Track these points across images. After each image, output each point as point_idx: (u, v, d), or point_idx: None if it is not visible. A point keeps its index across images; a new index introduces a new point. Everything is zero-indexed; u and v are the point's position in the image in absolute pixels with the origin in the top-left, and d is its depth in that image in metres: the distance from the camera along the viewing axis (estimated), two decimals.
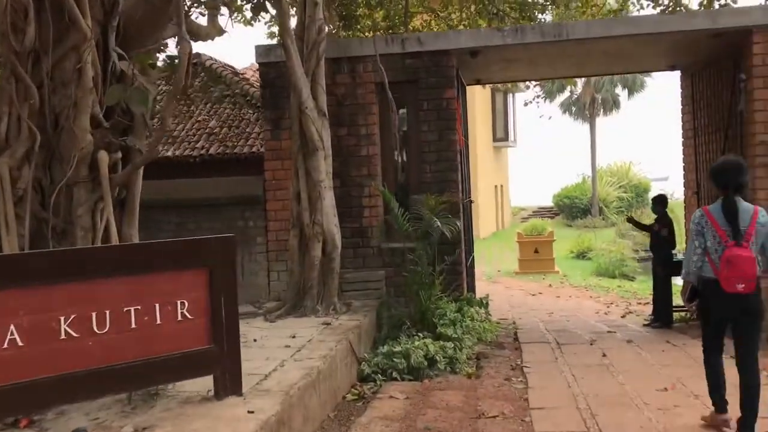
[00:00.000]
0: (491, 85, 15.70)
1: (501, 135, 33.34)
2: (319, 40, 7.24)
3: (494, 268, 20.24)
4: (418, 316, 7.30)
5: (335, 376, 5.63)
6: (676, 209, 15.38)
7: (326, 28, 7.47)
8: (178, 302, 4.19)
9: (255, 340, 6.17)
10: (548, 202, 38.78)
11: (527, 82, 20.48)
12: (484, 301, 9.06)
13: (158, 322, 4.08)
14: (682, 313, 9.93)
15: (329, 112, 8.37)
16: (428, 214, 7.69)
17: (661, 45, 8.86)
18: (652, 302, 9.98)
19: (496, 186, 33.94)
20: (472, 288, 10.06)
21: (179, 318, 4.20)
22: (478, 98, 29.84)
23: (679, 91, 10.58)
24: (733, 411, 4.61)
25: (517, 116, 36.48)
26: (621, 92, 34.90)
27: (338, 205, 8.14)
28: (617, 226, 26.42)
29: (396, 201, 8.05)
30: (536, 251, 18.72)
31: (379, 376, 6.30)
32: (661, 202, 9.68)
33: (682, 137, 10.52)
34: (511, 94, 34.06)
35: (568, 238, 26.27)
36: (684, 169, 10.58)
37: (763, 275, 4.47)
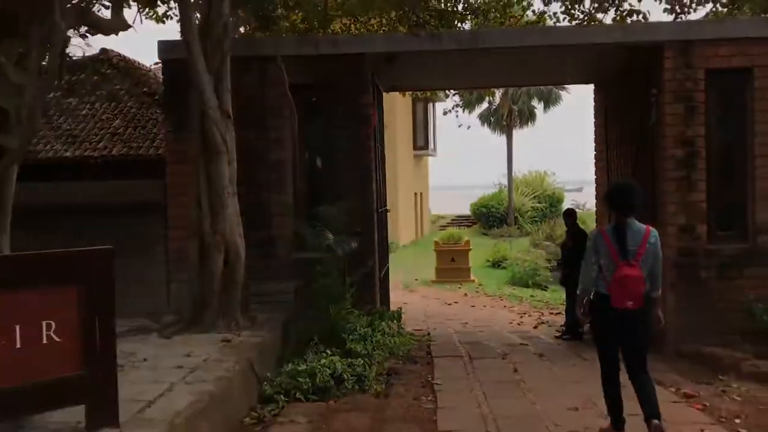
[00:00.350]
0: (411, 93, 15.49)
1: (421, 143, 33.45)
2: (224, 37, 6.79)
3: (412, 277, 20.10)
4: (327, 332, 6.93)
5: (232, 399, 5.19)
6: (588, 220, 15.64)
7: (232, 25, 7.01)
8: (44, 323, 3.69)
9: (145, 360, 5.65)
10: (466, 211, 39.22)
11: (447, 92, 20.46)
12: (396, 315, 8.78)
13: (18, 346, 3.57)
14: None
15: (237, 115, 7.88)
16: (333, 225, 7.36)
17: (575, 57, 8.87)
18: (564, 313, 9.99)
19: (416, 194, 34.01)
20: (386, 300, 9.78)
21: (44, 341, 3.69)
22: (399, 106, 29.81)
23: (593, 104, 10.69)
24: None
25: (438, 126, 36.79)
26: (537, 105, 35.69)
27: (245, 212, 7.68)
28: (532, 236, 26.85)
29: (307, 209, 7.71)
30: (453, 260, 18.69)
31: (282, 396, 5.89)
32: (570, 215, 9.72)
33: (595, 150, 10.62)
34: (431, 104, 34.27)
35: (484, 246, 26.48)
36: (596, 182, 10.67)
37: (652, 293, 4.73)
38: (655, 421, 4.49)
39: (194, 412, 4.38)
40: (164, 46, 8.16)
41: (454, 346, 8.95)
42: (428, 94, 32.16)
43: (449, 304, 15.08)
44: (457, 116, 17.70)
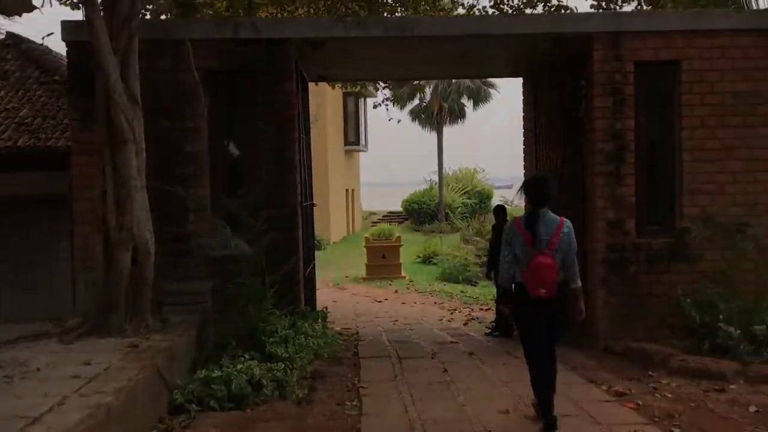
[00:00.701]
0: (342, 87, 15.08)
1: (352, 139, 33.09)
2: (131, 15, 6.23)
3: (342, 274, 19.74)
4: (246, 335, 6.48)
5: (135, 411, 4.70)
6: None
7: (141, 3, 6.45)
8: None
9: (38, 369, 5.09)
10: (398, 207, 39.09)
11: (378, 86, 20.16)
12: (321, 314, 8.39)
13: None
14: None
15: (151, 103, 7.37)
16: (253, 220, 6.92)
17: (505, 48, 8.68)
18: (495, 310, 9.83)
19: (347, 190, 33.63)
20: (312, 299, 9.36)
21: None
22: (330, 101, 29.35)
23: (522, 98, 10.56)
24: None
25: (369, 121, 36.50)
26: (467, 102, 35.85)
27: (159, 207, 7.16)
28: (462, 231, 26.89)
29: (226, 203, 7.23)
30: (383, 256, 18.40)
31: (194, 406, 5.42)
32: (500, 212, 9.57)
33: (524, 144, 10.50)
34: (362, 99, 33.94)
35: (415, 242, 26.36)
36: (525, 177, 10.55)
37: (571, 284, 4.91)
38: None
39: (87, 429, 3.89)
40: (68, 27, 7.50)
41: (383, 346, 8.64)
42: (359, 88, 31.91)
43: (379, 302, 14.78)
44: (387, 110, 17.31)
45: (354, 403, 5.69)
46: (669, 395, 5.75)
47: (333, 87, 14.22)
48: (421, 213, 35.69)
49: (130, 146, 6.15)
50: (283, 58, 7.67)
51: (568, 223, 4.85)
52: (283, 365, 6.13)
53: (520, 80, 10.62)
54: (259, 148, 7.65)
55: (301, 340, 6.81)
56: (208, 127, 7.67)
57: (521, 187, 5.19)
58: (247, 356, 6.13)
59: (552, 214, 4.85)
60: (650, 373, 6.55)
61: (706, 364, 6.38)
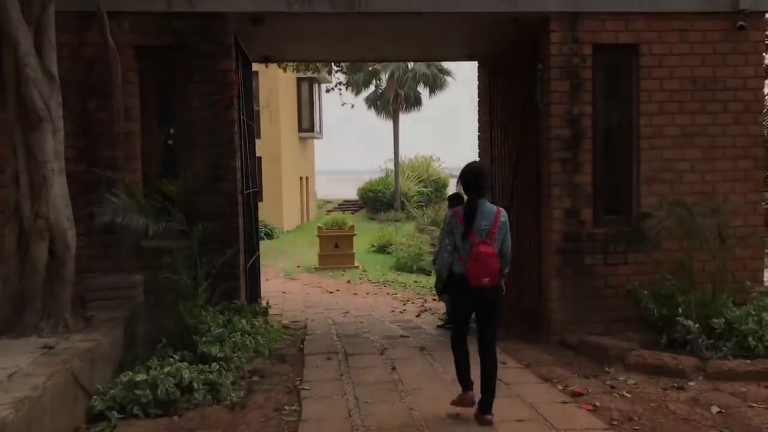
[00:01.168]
0: (293, 69, 14.44)
1: (306, 126, 32.44)
2: None
3: (295, 263, 19.23)
4: (177, 333, 5.97)
5: (41, 423, 4.17)
6: None
7: None
8: None
9: None
10: (354, 196, 38.63)
11: (332, 70, 19.58)
12: (261, 309, 7.91)
13: None
14: None
15: (76, 79, 6.80)
16: (187, 207, 6.41)
17: (460, 28, 8.27)
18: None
19: (301, 177, 33.01)
20: (256, 292, 8.86)
21: None
22: (282, 86, 28.65)
23: (477, 83, 10.20)
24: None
25: (324, 108, 35.89)
26: (423, 90, 35.54)
27: (85, 193, 6.61)
28: (417, 220, 26.61)
29: (158, 189, 6.70)
30: (336, 246, 17.95)
31: (116, 413, 4.92)
32: (455, 201, 9.22)
33: (478, 131, 10.15)
34: (317, 84, 33.29)
35: (371, 231, 25.99)
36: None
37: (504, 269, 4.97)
38: (488, 416, 4.80)
39: None
40: None
41: (330, 341, 8.21)
42: (312, 72, 31.21)
43: (331, 292, 14.35)
44: (340, 94, 16.82)
45: (293, 408, 5.25)
46: (627, 395, 5.45)
47: (284, 70, 13.62)
48: (376, 201, 35.34)
49: (45, 125, 5.55)
50: (220, 34, 7.11)
51: (503, 212, 4.97)
52: (218, 366, 5.65)
53: (476, 66, 10.25)
54: (195, 130, 7.10)
55: (238, 338, 6.32)
56: (140, 107, 7.09)
57: (459, 176, 5.13)
58: (177, 357, 5.63)
59: (489, 204, 4.95)
60: (607, 368, 6.27)
61: (665, 359, 6.13)
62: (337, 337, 8.58)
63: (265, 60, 9.37)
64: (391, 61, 11.30)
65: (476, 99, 10.26)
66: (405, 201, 34.65)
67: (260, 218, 26.73)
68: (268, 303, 8.82)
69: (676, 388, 5.60)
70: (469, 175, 4.99)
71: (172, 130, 7.34)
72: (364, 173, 41.62)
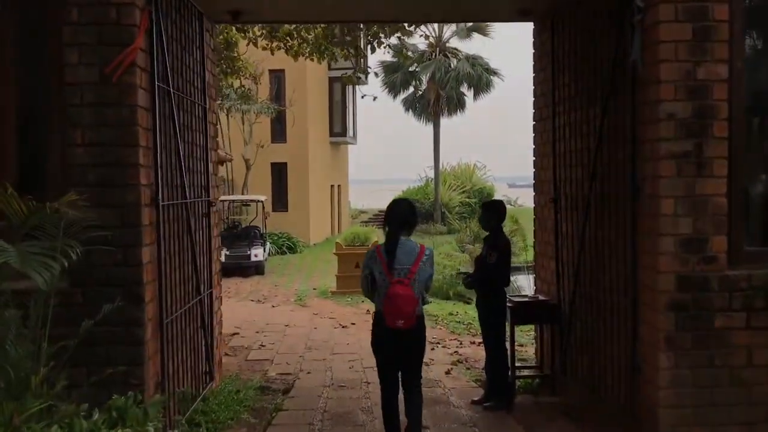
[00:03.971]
0: (318, 59, 11.59)
1: (338, 130, 29.85)
2: None
3: (312, 285, 16.52)
4: None
5: None
6: (523, 219, 12.34)
7: None
8: None
9: None
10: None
11: (368, 71, 16.81)
12: (153, 408, 5.07)
13: None
14: (528, 379, 6.73)
15: None
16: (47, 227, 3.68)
17: None
18: (486, 364, 6.60)
19: (332, 186, 30.41)
20: (207, 359, 6.06)
21: None
22: (312, 85, 26.11)
23: (533, 51, 7.28)
24: None
25: (362, 114, 33.32)
26: (467, 92, 32.60)
27: None
28: (459, 234, 23.77)
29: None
30: (357, 266, 15.11)
31: None
32: (493, 210, 6.36)
33: (534, 118, 7.22)
34: (351, 86, 30.70)
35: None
36: (535, 165, 7.28)
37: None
38: None
39: None
40: None
41: (310, 428, 5.43)
42: (344, 63, 28.56)
43: (344, 327, 11.52)
44: (359, 80, 14.01)
45: None
46: None
47: (255, 44, 10.82)
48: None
49: None
50: None
51: (428, 250, 4.78)
52: None
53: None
54: (70, 101, 4.38)
55: None
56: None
57: (386, 212, 4.92)
58: None
59: (412, 241, 4.79)
60: None
61: None
62: (321, 419, 5.79)
63: (232, 19, 6.65)
64: (412, 23, 8.52)
65: (530, 82, 7.36)
66: (446, 212, 31.79)
67: (284, 230, 24.33)
68: (163, 397, 5.96)
69: None
70: (395, 208, 4.86)
71: (43, 111, 4.62)
72: (403, 183, 38.84)
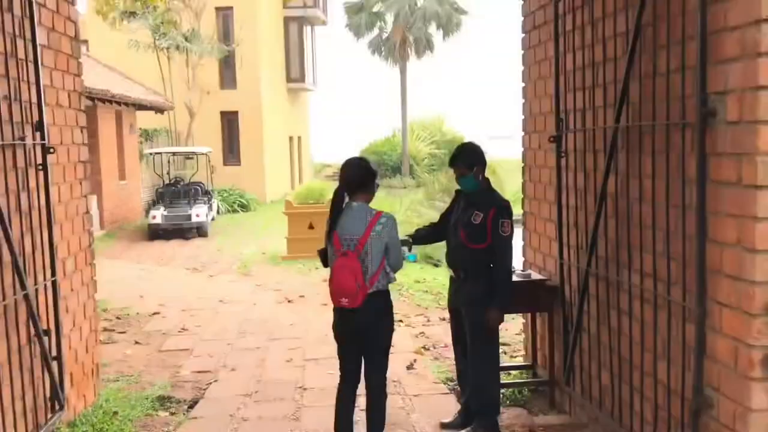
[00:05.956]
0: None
1: (296, 75, 27.48)
2: None
3: (261, 248, 14.57)
4: None
5: None
6: (505, 174, 10.53)
7: None
8: None
9: None
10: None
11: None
12: None
13: None
14: (516, 389, 4.94)
15: None
16: None
17: None
18: (456, 372, 4.77)
19: (291, 137, 28.21)
20: (54, 381, 4.12)
21: None
22: (264, 25, 23.66)
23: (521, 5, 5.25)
24: None
25: (320, 56, 30.93)
26: (435, 33, 30.27)
27: None
28: (426, 188, 21.87)
29: None
30: (311, 227, 13.13)
31: None
32: (474, 153, 4.44)
33: (524, 27, 5.24)
34: (309, 27, 28.24)
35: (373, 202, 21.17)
36: (524, 93, 5.34)
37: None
38: None
39: None
40: None
41: None
42: (306, 12, 26.12)
43: (290, 301, 9.64)
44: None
45: None
46: None
47: None
48: (381, 165, 30.50)
49: None
50: None
51: (384, 217, 3.86)
52: None
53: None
54: None
55: None
56: None
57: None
58: None
59: (365, 206, 3.91)
60: None
61: None
62: None
63: None
64: None
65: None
66: (414, 165, 29.86)
67: (236, 186, 22.12)
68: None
69: None
70: (342, 168, 4.05)
71: None
72: (367, 132, 36.68)
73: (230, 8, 22.77)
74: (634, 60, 3.46)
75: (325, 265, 4.06)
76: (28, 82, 3.79)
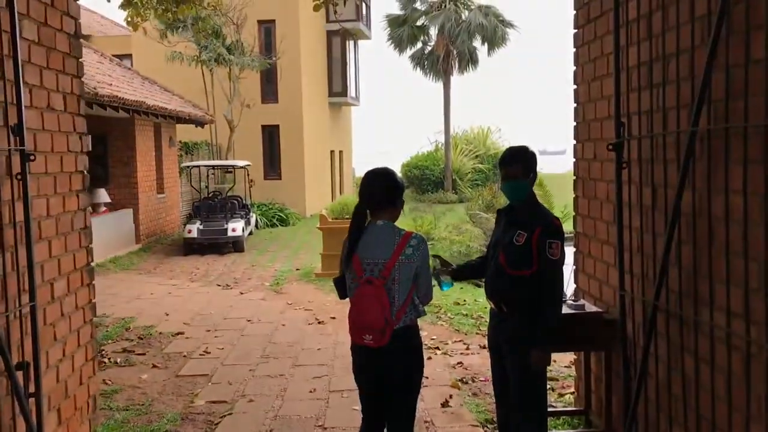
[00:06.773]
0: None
1: (338, 89, 27.14)
2: None
3: (295, 265, 14.07)
4: None
5: None
6: (557, 189, 9.79)
7: None
8: None
9: None
10: (397, 172, 33.23)
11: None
12: None
13: None
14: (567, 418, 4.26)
15: None
16: None
17: None
18: (496, 416, 4.11)
19: (332, 151, 27.84)
20: (31, 423, 3.63)
21: None
22: (307, 39, 23.40)
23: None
24: None
25: (363, 70, 30.53)
26: (480, 46, 29.63)
27: None
28: (469, 204, 21.15)
29: None
30: None
31: None
32: (524, 159, 3.73)
33: (577, 22, 4.61)
34: (352, 41, 27.93)
35: (411, 217, 20.54)
36: (576, 97, 4.69)
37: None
38: None
39: None
40: None
41: None
42: (347, 27, 25.74)
43: (320, 323, 9.09)
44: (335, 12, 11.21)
45: None
46: None
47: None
48: (423, 180, 29.93)
49: None
50: None
51: (415, 239, 3.29)
52: None
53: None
54: None
55: None
56: None
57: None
58: None
59: (391, 226, 3.34)
60: None
61: None
62: None
63: None
64: None
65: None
66: (457, 179, 29.15)
67: (276, 200, 21.69)
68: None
69: None
70: (362, 182, 3.45)
71: None
72: (410, 146, 36.14)
73: (272, 21, 22.59)
74: (718, 48, 2.80)
75: (343, 296, 3.47)
76: (4, 79, 3.31)
